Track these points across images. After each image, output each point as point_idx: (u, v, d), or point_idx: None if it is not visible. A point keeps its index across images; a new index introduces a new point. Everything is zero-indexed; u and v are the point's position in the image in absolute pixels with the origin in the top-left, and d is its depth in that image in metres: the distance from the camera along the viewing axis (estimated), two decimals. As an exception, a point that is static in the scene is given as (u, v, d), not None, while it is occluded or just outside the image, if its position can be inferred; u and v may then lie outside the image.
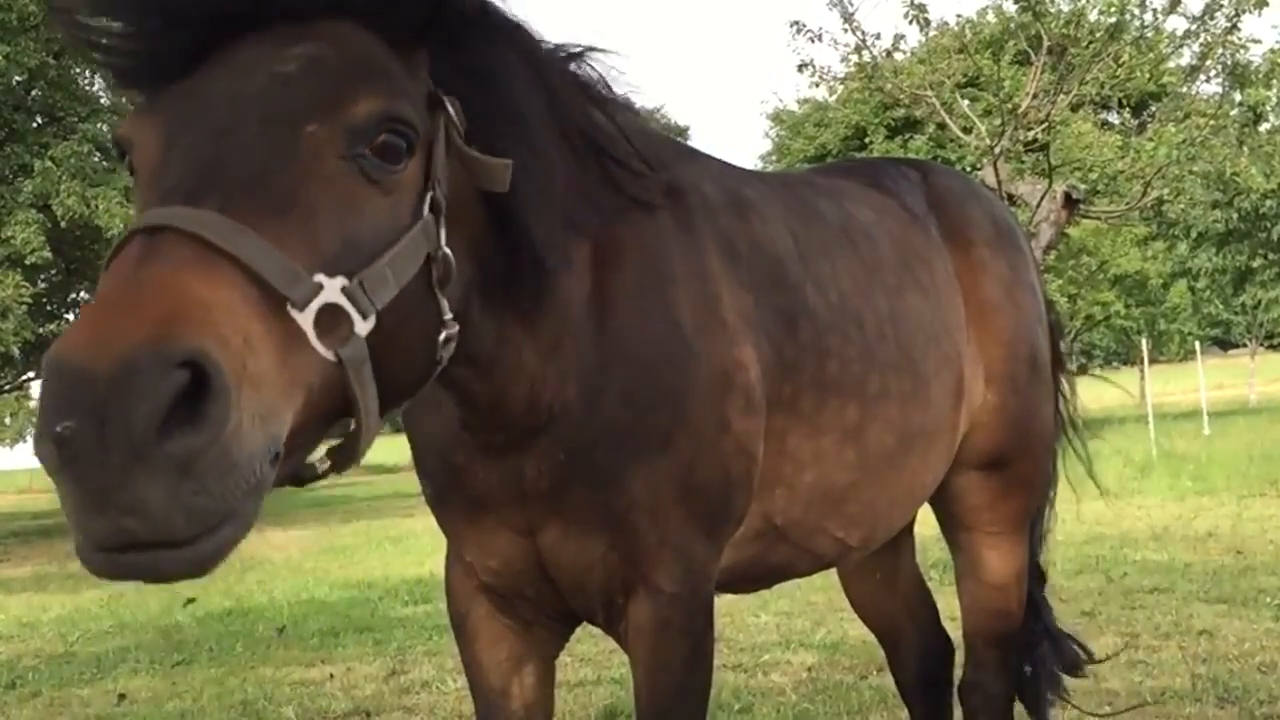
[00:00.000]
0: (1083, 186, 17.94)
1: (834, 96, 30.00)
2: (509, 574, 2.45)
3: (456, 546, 2.55)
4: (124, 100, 23.89)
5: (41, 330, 23.61)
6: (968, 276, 3.31)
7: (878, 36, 17.53)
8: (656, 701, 2.40)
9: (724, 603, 7.01)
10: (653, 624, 2.35)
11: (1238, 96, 19.12)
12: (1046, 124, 16.70)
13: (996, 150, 16.25)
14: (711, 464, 2.35)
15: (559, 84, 2.17)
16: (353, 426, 1.65)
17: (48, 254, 20.40)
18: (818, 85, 20.19)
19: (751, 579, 2.94)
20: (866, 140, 31.10)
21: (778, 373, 2.55)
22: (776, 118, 34.75)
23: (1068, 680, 4.05)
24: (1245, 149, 17.87)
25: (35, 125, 23.18)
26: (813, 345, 2.66)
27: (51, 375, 1.32)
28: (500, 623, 2.55)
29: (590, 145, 2.25)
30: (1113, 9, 16.59)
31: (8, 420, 64.18)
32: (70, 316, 26.72)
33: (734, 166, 2.94)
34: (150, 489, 1.31)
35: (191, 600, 10.03)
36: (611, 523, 2.29)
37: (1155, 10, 17.22)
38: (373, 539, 16.55)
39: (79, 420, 1.28)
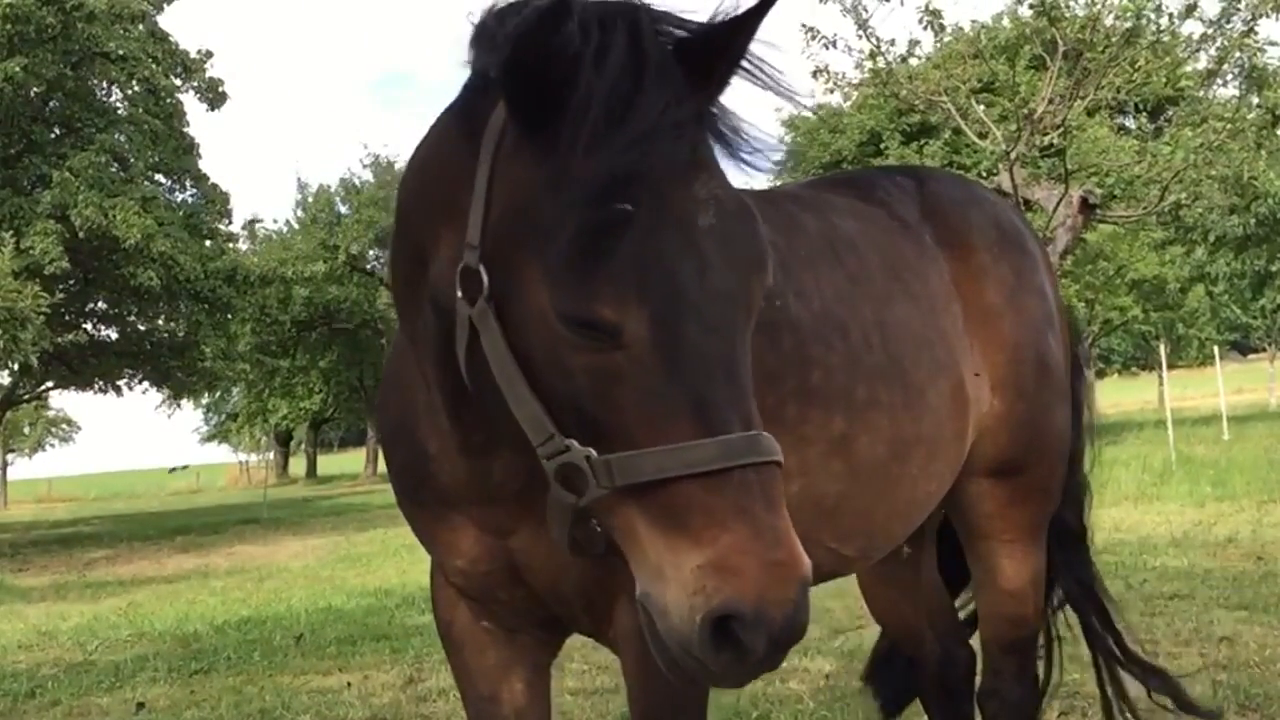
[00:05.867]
0: (1099, 191, 17.84)
1: (849, 103, 29.91)
2: (475, 575, 2.42)
3: (431, 549, 2.53)
4: (140, 111, 24.12)
5: (60, 340, 23.74)
6: (968, 283, 3.27)
7: (892, 42, 17.44)
8: (648, 709, 2.38)
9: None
10: (639, 630, 2.32)
11: (1255, 100, 18.97)
12: (1062, 128, 16.58)
13: (1012, 155, 16.19)
14: None
15: None
16: None
17: (66, 264, 20.57)
18: (832, 91, 20.11)
19: None
20: (882, 146, 30.93)
21: (760, 383, 2.52)
22: (791, 124, 34.62)
23: (1088, 686, 4.02)
24: (1263, 152, 17.70)
25: (53, 136, 23.38)
26: (795, 355, 2.65)
27: (752, 618, 1.65)
28: (484, 629, 2.54)
29: None
30: (1128, 13, 16.47)
31: (26, 430, 64.47)
32: (88, 326, 26.77)
33: None
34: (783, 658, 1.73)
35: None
36: None
37: (1171, 14, 17.12)
38: (389, 547, 16.59)
39: (769, 647, 1.66)
